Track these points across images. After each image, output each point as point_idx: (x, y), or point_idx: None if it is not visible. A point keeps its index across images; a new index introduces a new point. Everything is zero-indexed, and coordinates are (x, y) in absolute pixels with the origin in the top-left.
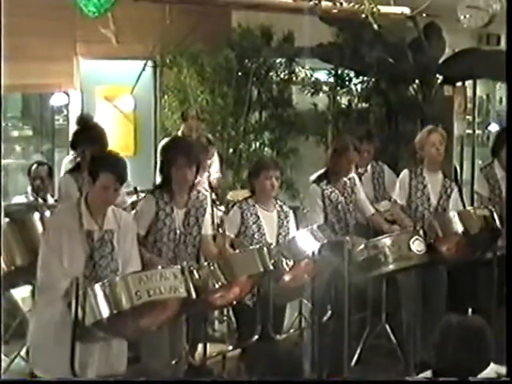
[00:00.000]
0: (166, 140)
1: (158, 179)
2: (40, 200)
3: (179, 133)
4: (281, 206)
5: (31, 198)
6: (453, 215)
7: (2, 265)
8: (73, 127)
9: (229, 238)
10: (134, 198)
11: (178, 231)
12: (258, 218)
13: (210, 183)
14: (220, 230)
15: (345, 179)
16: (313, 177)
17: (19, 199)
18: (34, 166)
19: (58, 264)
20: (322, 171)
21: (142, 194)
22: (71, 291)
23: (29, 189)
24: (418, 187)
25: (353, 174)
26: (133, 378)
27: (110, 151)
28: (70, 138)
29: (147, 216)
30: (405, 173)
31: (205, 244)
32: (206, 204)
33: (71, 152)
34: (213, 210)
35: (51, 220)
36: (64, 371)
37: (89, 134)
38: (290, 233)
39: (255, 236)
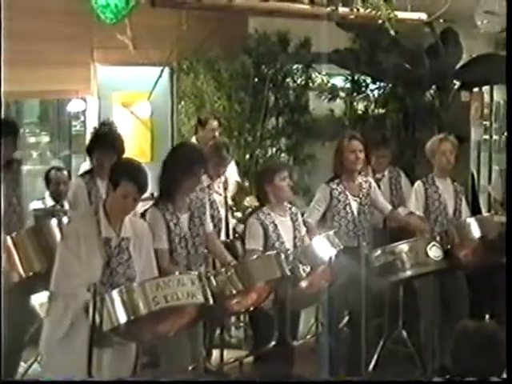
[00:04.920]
0: (175, 147)
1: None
2: (58, 205)
3: (193, 138)
4: (290, 209)
5: (48, 204)
6: (470, 221)
7: (20, 271)
8: (90, 133)
9: (258, 251)
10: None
11: (187, 236)
12: (276, 226)
13: (225, 188)
14: (236, 235)
15: (360, 181)
16: None
17: (37, 205)
18: (53, 171)
19: (79, 271)
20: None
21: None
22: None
23: (46, 194)
24: (433, 197)
25: (369, 178)
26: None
27: (133, 160)
28: (87, 144)
29: (162, 229)
30: (419, 184)
31: (209, 241)
32: (206, 201)
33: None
34: (227, 216)
35: (71, 227)
36: (79, 375)
37: (105, 139)
38: (302, 233)
39: (275, 245)
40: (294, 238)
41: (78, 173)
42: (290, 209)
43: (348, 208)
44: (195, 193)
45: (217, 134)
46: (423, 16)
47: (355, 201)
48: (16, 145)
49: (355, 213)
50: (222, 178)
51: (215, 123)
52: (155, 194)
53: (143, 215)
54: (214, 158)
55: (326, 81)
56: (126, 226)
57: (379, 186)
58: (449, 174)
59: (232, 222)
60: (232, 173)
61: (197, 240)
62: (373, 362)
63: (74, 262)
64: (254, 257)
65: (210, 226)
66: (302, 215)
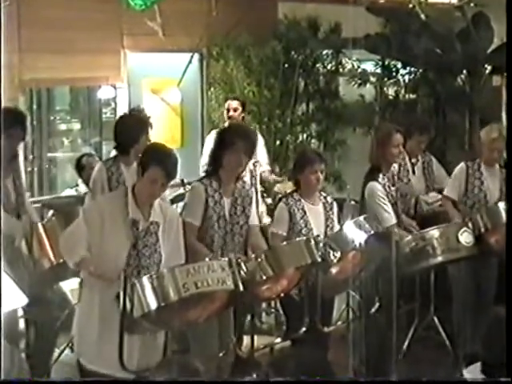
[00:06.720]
0: (224, 125)
1: (206, 167)
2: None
3: (226, 124)
4: (325, 198)
5: (81, 191)
6: (502, 206)
7: (51, 258)
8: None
9: (281, 236)
10: (181, 190)
11: (227, 218)
12: (305, 212)
13: (252, 176)
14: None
15: (392, 168)
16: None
17: (68, 192)
18: (84, 157)
19: (86, 244)
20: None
21: (189, 187)
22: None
23: (79, 181)
24: (474, 184)
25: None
26: (180, 370)
27: (163, 145)
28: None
29: (199, 205)
30: (462, 167)
31: (252, 235)
32: (252, 193)
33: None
34: (257, 202)
35: (93, 205)
36: (110, 362)
37: (126, 123)
38: (335, 224)
39: (302, 231)
40: (326, 227)
41: None
42: (324, 198)
43: (391, 198)
44: (242, 183)
45: (234, 113)
46: (454, 0)
47: (394, 189)
48: (24, 135)
49: (393, 198)
50: (250, 166)
51: (230, 102)
52: (185, 180)
53: (173, 201)
54: None
55: (356, 66)
56: (156, 211)
57: (414, 171)
58: (498, 161)
59: (262, 209)
60: (265, 162)
61: (236, 228)
62: (404, 349)
63: (82, 232)
64: (284, 243)
65: (255, 219)
66: (341, 206)
